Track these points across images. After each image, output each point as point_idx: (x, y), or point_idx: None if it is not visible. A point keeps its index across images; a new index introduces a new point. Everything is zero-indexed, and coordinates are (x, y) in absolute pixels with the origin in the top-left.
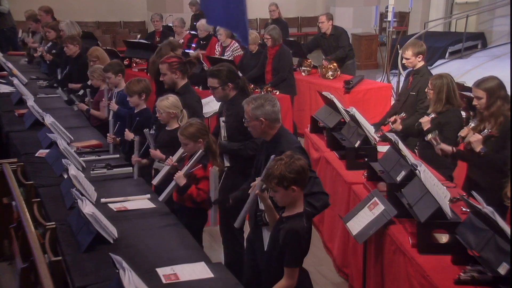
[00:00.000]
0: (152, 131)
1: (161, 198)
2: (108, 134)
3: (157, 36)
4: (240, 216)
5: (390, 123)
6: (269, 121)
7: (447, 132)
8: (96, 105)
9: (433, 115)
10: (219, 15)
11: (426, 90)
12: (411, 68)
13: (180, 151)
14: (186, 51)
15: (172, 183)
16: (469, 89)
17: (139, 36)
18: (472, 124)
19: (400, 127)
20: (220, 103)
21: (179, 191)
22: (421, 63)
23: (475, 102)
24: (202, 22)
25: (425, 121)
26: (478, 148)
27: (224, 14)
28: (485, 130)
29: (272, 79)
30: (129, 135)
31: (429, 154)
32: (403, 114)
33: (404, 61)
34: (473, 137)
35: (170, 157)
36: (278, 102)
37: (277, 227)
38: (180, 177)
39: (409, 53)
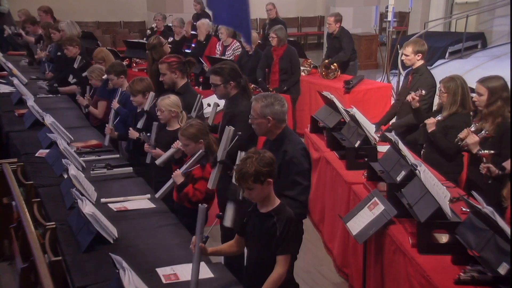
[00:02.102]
0: (149, 134)
1: (157, 195)
2: (107, 125)
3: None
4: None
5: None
6: (276, 120)
7: (452, 137)
8: (95, 104)
9: (439, 118)
10: (224, 15)
11: (438, 94)
12: (411, 67)
13: (171, 151)
14: (186, 51)
15: (170, 181)
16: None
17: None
18: (473, 128)
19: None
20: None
21: (176, 189)
22: (420, 62)
23: (475, 98)
24: (202, 22)
25: (431, 123)
26: (475, 149)
27: (229, 14)
28: (482, 132)
29: (280, 79)
30: (133, 134)
31: (435, 158)
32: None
33: (403, 57)
34: (470, 138)
35: (178, 169)
36: (287, 103)
37: (269, 223)
38: (177, 175)
39: (409, 50)
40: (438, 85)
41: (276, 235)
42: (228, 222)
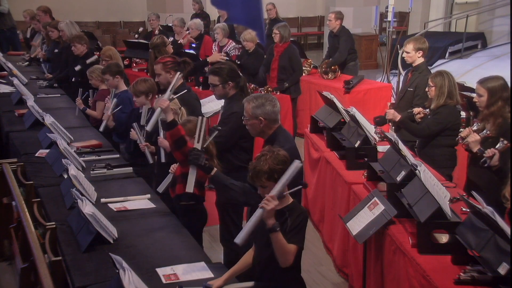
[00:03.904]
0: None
1: (159, 189)
2: (105, 111)
3: (153, 36)
4: (243, 232)
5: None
6: (268, 121)
7: (431, 120)
8: (94, 105)
9: (427, 111)
10: (239, 14)
11: (426, 89)
12: (411, 66)
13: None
14: (186, 51)
15: (169, 176)
16: (469, 89)
17: (141, 29)
18: (475, 127)
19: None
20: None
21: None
22: (421, 60)
23: (475, 99)
24: (194, 21)
25: (418, 111)
26: (476, 148)
27: (243, 13)
28: (484, 131)
29: (278, 78)
30: (134, 135)
31: (428, 154)
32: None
33: (404, 54)
34: (471, 137)
35: (175, 164)
36: (278, 103)
37: (280, 219)
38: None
39: (410, 47)
40: None
41: (286, 231)
42: (190, 187)
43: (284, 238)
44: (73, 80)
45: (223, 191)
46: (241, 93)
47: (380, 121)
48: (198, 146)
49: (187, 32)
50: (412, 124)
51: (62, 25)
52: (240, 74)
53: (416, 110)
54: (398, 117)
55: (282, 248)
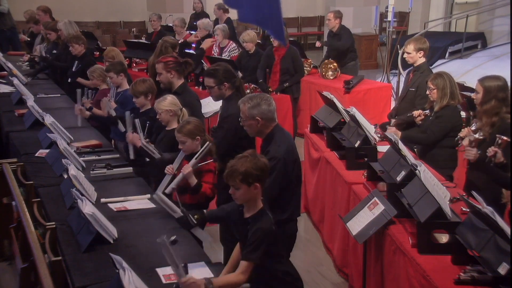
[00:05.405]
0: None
1: (158, 191)
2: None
3: (154, 36)
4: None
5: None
6: (265, 120)
7: (435, 125)
8: (96, 104)
9: (427, 112)
10: (248, 12)
11: (427, 92)
12: (412, 66)
13: (181, 156)
14: (186, 51)
15: (166, 177)
16: (469, 89)
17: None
18: (473, 127)
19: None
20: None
21: (190, 192)
22: (422, 60)
23: (473, 96)
24: (202, 21)
25: (418, 114)
26: (475, 158)
27: (253, 11)
28: (476, 135)
29: (280, 80)
30: (132, 140)
31: (429, 154)
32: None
33: (405, 55)
34: (467, 152)
35: (170, 165)
36: (274, 101)
37: (246, 228)
38: (189, 173)
39: (410, 47)
40: None
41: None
42: (160, 189)
43: (242, 250)
44: (69, 81)
45: (224, 223)
46: (237, 93)
47: (384, 128)
48: (177, 215)
49: (188, 32)
50: (416, 135)
51: (60, 24)
52: (239, 74)
53: (416, 113)
54: (399, 134)
55: (229, 285)
